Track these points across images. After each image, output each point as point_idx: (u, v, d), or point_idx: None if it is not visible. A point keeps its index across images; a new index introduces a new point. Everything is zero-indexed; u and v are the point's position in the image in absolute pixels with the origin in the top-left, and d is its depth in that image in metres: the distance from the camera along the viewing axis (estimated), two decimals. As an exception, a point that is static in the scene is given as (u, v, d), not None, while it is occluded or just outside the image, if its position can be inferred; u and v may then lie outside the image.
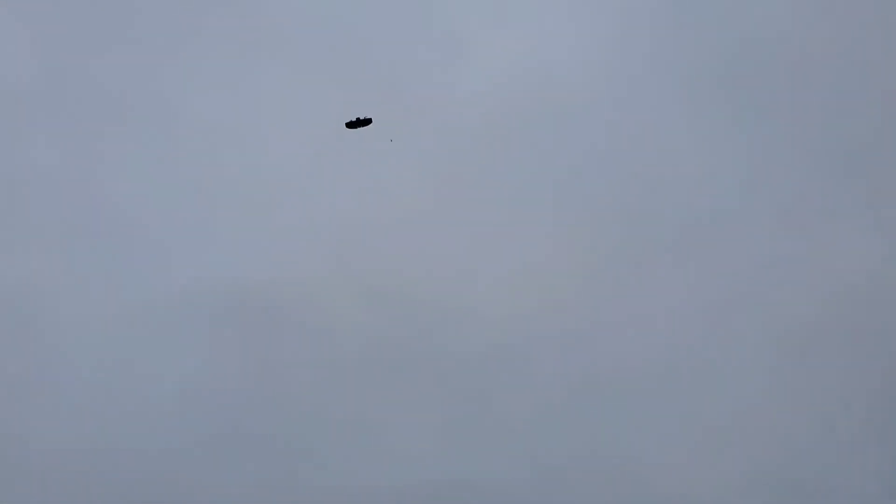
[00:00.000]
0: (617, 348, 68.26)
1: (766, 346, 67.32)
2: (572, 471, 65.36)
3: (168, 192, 70.54)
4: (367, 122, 65.90)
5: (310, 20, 71.57)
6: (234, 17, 71.41)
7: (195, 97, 71.28)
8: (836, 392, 66.25)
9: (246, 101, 71.01)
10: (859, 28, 72.45)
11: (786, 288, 68.18)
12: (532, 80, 72.47)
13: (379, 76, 72.50)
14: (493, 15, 74.14)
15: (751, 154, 71.06)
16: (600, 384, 67.42)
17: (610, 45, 72.04)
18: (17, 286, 67.69)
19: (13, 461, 64.81)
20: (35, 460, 64.91)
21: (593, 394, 67.42)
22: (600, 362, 67.92)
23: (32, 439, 66.03)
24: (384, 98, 72.18)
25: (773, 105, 71.82)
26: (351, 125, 65.94)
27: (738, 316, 68.11)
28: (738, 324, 67.90)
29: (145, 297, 68.10)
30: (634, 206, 70.81)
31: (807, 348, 67.16)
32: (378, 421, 66.59)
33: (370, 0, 73.79)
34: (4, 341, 66.94)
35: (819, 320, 67.39)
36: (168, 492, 64.51)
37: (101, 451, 65.61)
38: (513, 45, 73.46)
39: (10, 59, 69.48)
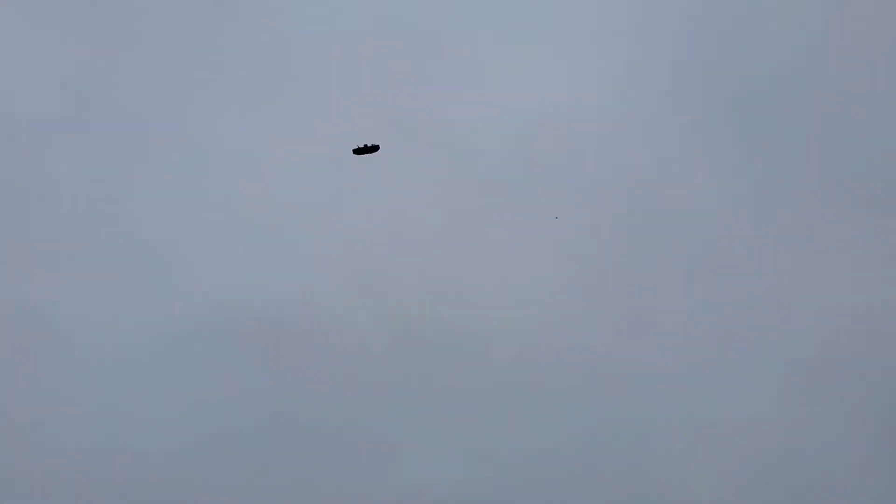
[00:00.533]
0: (630, 374, 69.28)
1: (778, 374, 68.46)
2: (587, 493, 66.34)
3: (189, 216, 71.22)
4: (374, 148, 66.54)
5: (330, 53, 72.47)
6: (256, 47, 72.10)
7: (216, 124, 71.91)
8: (847, 417, 67.52)
9: (268, 128, 71.79)
10: (872, 63, 73.82)
11: (797, 317, 69.34)
12: (548, 113, 73.57)
13: (397, 107, 73.02)
14: (511, 50, 74.86)
15: (762, 183, 72.30)
16: (614, 408, 68.36)
17: (625, 80, 73.23)
18: (39, 306, 67.96)
19: (27, 480, 64.80)
20: (50, 480, 64.92)
21: (608, 418, 68.34)
22: (613, 387, 68.83)
23: (48, 456, 66.06)
24: (401, 128, 72.81)
25: (786, 138, 73.09)
26: (358, 152, 66.48)
27: (750, 345, 69.22)
28: (751, 352, 69.03)
29: (165, 318, 68.55)
30: (646, 235, 71.85)
31: (818, 377, 68.38)
32: (397, 443, 67.16)
33: (390, 34, 74.00)
34: (24, 360, 66.88)
35: (829, 350, 68.65)
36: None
37: (118, 471, 65.80)
38: (529, 79, 74.61)
39: (39, 87, 70.51)
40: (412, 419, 67.68)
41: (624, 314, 70.14)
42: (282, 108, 72.19)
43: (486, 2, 76.50)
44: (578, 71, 74.35)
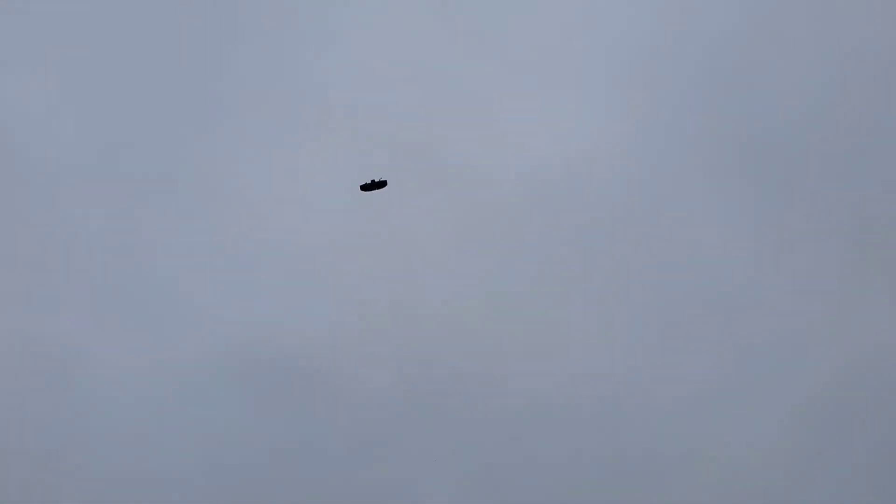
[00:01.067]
0: (637, 427, 69.30)
1: (785, 422, 68.47)
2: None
3: (204, 257, 71.92)
4: (382, 184, 65.92)
5: (348, 96, 73.76)
6: (270, 90, 73.72)
7: (231, 167, 73.28)
8: (856, 468, 67.40)
9: (284, 169, 72.72)
10: (881, 111, 74.64)
11: (804, 364, 69.49)
12: (562, 153, 74.34)
13: (413, 146, 74.31)
14: (526, 90, 76.17)
15: (769, 232, 72.82)
16: (624, 461, 68.41)
17: (633, 128, 74.29)
18: (59, 344, 68.92)
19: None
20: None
21: (618, 471, 68.46)
22: (622, 440, 68.93)
23: (64, 496, 66.68)
24: (416, 167, 74.01)
25: (793, 185, 73.85)
26: (366, 188, 66.12)
27: (758, 393, 69.28)
28: (757, 401, 69.07)
29: (180, 359, 69.13)
30: (657, 278, 72.34)
31: (825, 425, 68.35)
32: (413, 485, 67.48)
33: (405, 74, 75.72)
34: (39, 399, 67.90)
35: (837, 397, 68.64)
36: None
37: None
38: (544, 119, 75.43)
39: (58, 131, 72.38)
40: (428, 461, 68.04)
41: (635, 358, 70.33)
42: (299, 147, 73.31)
43: (502, 42, 77.86)
44: (593, 113, 75.28)
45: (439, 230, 73.68)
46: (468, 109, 75.57)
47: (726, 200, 73.57)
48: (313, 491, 67.36)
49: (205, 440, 67.56)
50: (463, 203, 74.54)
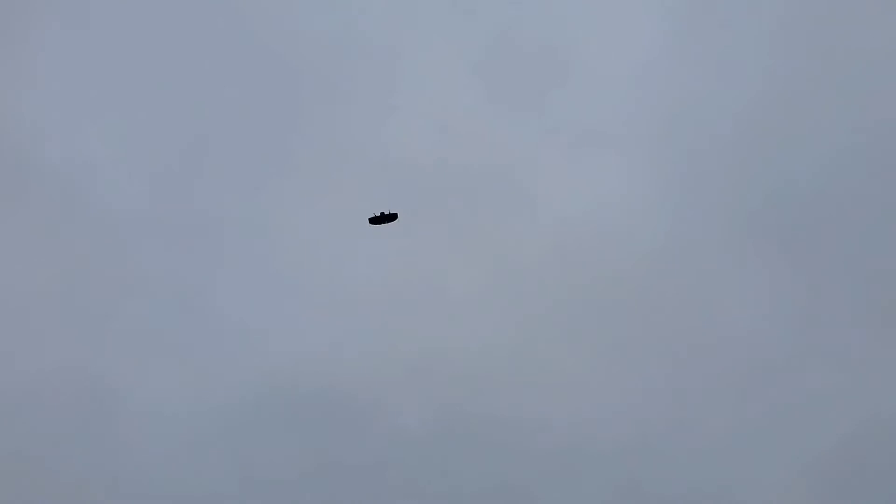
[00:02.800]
0: (659, 473, 70.38)
1: (802, 477, 69.20)
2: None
3: (253, 296, 75.10)
4: (392, 217, 64.81)
5: (394, 154, 76.80)
6: (315, 145, 77.21)
7: (277, 213, 76.67)
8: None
9: (327, 216, 75.57)
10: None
11: (822, 422, 70.26)
12: (585, 215, 76.40)
13: (447, 204, 76.94)
14: (557, 156, 78.55)
15: (791, 292, 73.87)
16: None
17: (660, 190, 76.07)
18: (111, 382, 71.84)
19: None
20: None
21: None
22: (643, 485, 70.08)
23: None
24: (452, 220, 76.43)
25: (814, 248, 75.01)
26: (375, 221, 64.97)
27: (783, 455, 70.11)
28: (776, 455, 69.92)
29: (222, 392, 72.12)
30: (684, 341, 73.56)
31: (841, 481, 69.00)
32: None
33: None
34: (97, 434, 70.61)
35: (854, 456, 69.26)
36: None
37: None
38: (570, 183, 77.75)
39: (126, 183, 75.99)
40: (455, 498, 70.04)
41: (662, 415, 71.21)
42: (344, 187, 75.93)
43: (538, 104, 79.96)
44: (621, 174, 77.08)
45: (473, 279, 76.04)
46: (504, 167, 78.07)
47: (749, 261, 74.59)
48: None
49: (245, 468, 70.20)
50: (496, 254, 76.95)
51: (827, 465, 67.60)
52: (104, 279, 73.83)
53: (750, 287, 73.37)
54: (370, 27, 79.69)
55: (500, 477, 69.32)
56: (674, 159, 76.51)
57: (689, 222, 74.76)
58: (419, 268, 75.37)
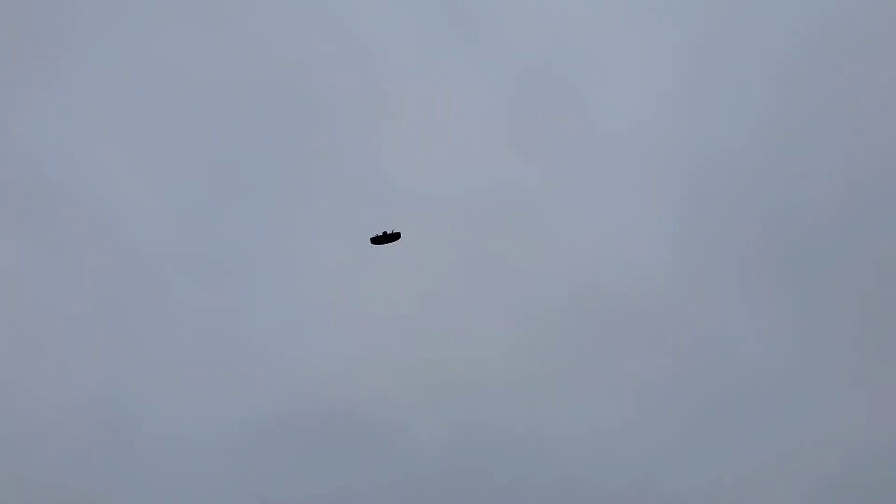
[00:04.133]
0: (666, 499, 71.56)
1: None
2: None
3: (272, 322, 76.88)
4: (395, 236, 62.94)
5: (417, 189, 78.95)
6: (334, 180, 79.27)
7: (302, 246, 78.54)
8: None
9: (349, 244, 77.26)
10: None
11: (827, 445, 71.43)
12: (598, 258, 78.28)
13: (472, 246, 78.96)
14: (576, 202, 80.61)
15: (798, 324, 75.30)
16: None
17: (686, 232, 77.64)
18: (135, 402, 73.58)
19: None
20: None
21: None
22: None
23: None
24: (475, 262, 78.59)
25: (818, 279, 76.46)
26: (377, 240, 63.14)
27: (789, 485, 71.09)
28: (781, 478, 71.06)
29: (244, 418, 73.55)
30: (695, 376, 74.89)
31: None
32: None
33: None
34: (108, 459, 72.05)
35: (857, 479, 70.14)
36: None
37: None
38: (588, 228, 79.69)
39: (156, 221, 78.58)
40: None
41: (672, 441, 72.50)
42: (362, 218, 77.17)
43: (558, 153, 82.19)
44: (631, 219, 79.17)
45: (490, 304, 77.83)
46: (523, 213, 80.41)
47: (757, 297, 76.10)
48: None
49: (265, 491, 71.52)
50: (515, 282, 78.75)
51: (831, 489, 68.79)
52: (130, 309, 76.42)
53: (756, 316, 75.04)
54: (394, 65, 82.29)
55: (517, 499, 70.72)
56: (685, 199, 78.51)
57: (697, 259, 76.64)
58: (436, 293, 77.27)
